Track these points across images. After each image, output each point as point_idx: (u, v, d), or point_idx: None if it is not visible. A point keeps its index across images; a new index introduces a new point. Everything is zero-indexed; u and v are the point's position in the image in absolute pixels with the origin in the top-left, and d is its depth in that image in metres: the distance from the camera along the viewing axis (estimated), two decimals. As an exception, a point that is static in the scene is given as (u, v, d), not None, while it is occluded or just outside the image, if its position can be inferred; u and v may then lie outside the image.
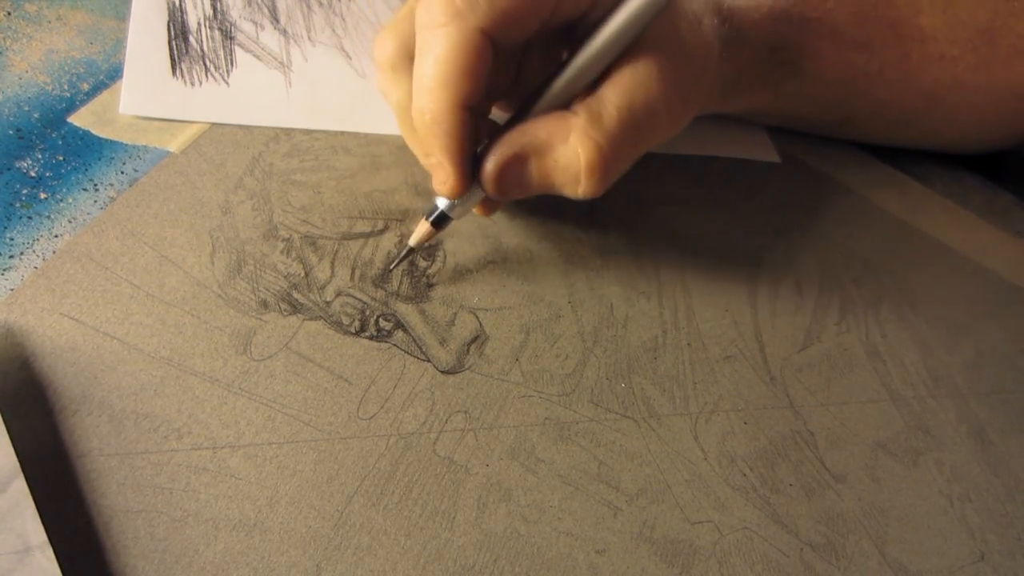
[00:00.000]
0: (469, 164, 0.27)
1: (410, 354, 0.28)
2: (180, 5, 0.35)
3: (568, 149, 0.26)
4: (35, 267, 0.27)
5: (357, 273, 0.30)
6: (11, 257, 0.27)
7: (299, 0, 0.37)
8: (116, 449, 0.24)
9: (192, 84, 0.33)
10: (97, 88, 0.32)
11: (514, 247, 0.33)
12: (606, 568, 0.25)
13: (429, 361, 0.28)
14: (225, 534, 0.23)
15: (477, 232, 0.32)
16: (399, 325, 0.29)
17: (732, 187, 0.39)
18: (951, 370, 0.34)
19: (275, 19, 0.36)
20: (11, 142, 0.30)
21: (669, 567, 0.26)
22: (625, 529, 0.26)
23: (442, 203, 0.28)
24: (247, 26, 0.35)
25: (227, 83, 0.33)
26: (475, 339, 0.29)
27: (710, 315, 0.33)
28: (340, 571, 0.23)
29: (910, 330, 0.35)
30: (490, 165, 0.26)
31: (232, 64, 0.34)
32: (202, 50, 0.34)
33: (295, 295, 0.28)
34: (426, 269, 0.31)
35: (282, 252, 0.29)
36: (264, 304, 0.28)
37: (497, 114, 0.31)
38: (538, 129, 0.26)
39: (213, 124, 0.32)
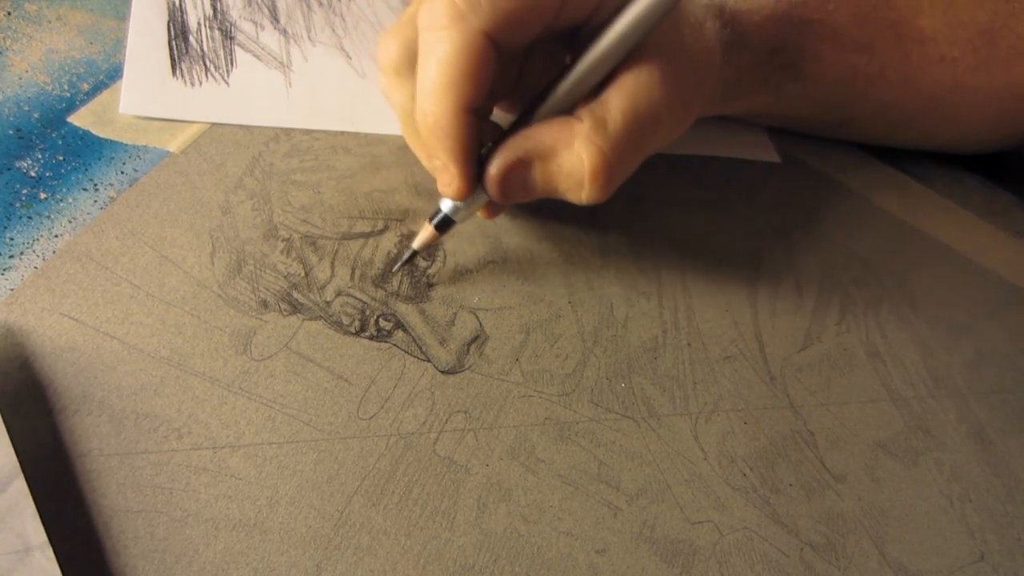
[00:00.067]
0: (474, 166, 0.27)
1: (410, 354, 0.28)
2: (180, 5, 0.35)
3: (572, 155, 0.26)
4: (35, 267, 0.27)
5: (357, 273, 0.30)
6: (11, 257, 0.27)
7: (299, 0, 0.37)
8: (116, 449, 0.24)
9: (192, 84, 0.33)
10: (97, 88, 0.32)
11: (514, 247, 0.33)
12: (606, 568, 0.25)
13: (429, 361, 0.28)
14: (225, 534, 0.23)
15: (477, 232, 0.32)
16: (399, 325, 0.29)
17: (732, 187, 0.39)
18: (951, 370, 0.34)
19: (275, 19, 0.36)
20: (11, 142, 0.30)
21: (669, 567, 0.26)
22: (625, 529, 0.26)
23: (445, 206, 0.28)
24: (247, 26, 0.35)
25: (227, 83, 0.33)
26: (475, 339, 0.29)
27: (710, 315, 0.33)
28: (340, 571, 0.23)
29: (910, 330, 0.35)
30: (494, 169, 0.26)
31: (232, 64, 0.34)
32: (202, 50, 0.34)
33: (295, 295, 0.28)
34: (426, 269, 0.31)
35: (282, 252, 0.29)
36: (264, 304, 0.28)
37: (499, 115, 0.31)
38: (542, 134, 0.26)
39: (213, 124, 0.32)
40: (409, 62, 0.27)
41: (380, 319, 0.29)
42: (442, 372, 0.28)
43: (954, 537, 0.29)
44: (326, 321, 0.28)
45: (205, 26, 0.35)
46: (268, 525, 0.24)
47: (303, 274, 0.29)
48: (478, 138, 0.26)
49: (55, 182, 0.29)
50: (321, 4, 0.38)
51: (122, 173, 0.30)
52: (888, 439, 0.31)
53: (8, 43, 0.32)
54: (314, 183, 0.32)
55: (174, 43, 0.34)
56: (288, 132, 0.33)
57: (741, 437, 0.29)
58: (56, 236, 0.27)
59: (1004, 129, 0.41)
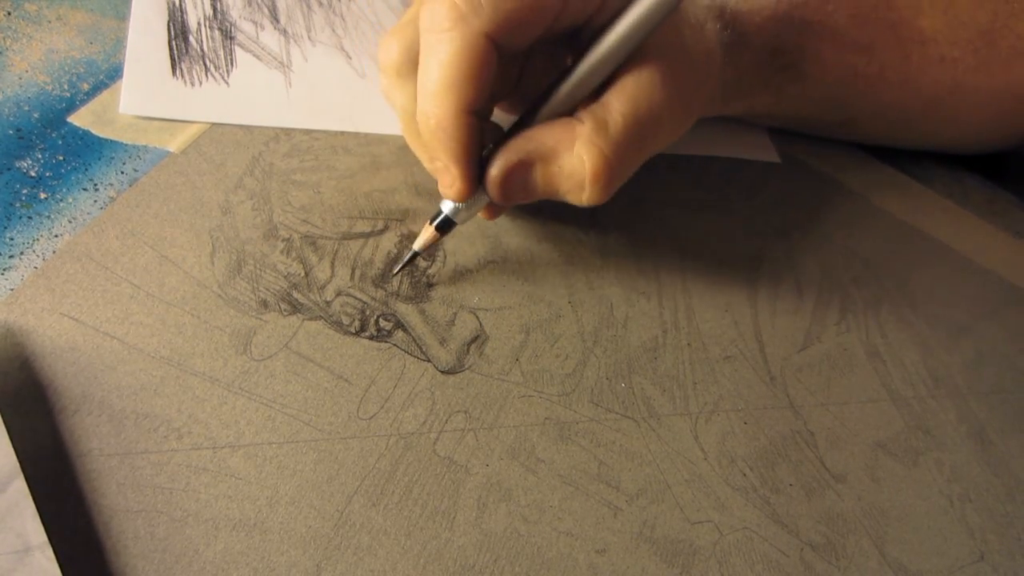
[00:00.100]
0: (475, 167, 0.27)
1: (410, 354, 0.28)
2: (180, 5, 0.35)
3: (573, 156, 0.26)
4: (35, 267, 0.27)
5: (357, 273, 0.30)
6: (11, 257, 0.27)
7: (299, 0, 0.37)
8: (116, 449, 0.24)
9: (192, 84, 0.33)
10: (97, 88, 0.32)
11: (514, 247, 0.33)
12: (606, 568, 0.25)
13: (429, 361, 0.28)
14: (225, 534, 0.23)
15: (477, 232, 0.32)
16: (399, 325, 0.29)
17: (732, 187, 0.39)
18: (951, 370, 0.34)
19: (275, 19, 0.36)
20: (11, 142, 0.30)
21: (669, 567, 0.26)
22: (625, 529, 0.26)
23: (446, 208, 0.28)
24: (247, 26, 0.35)
25: (227, 83, 0.33)
26: (475, 339, 0.29)
27: (710, 315, 0.33)
28: (340, 571, 0.23)
29: (910, 330, 0.35)
30: (495, 171, 0.26)
31: (232, 64, 0.34)
32: (202, 50, 0.34)
33: (295, 295, 0.28)
34: (426, 269, 0.31)
35: (282, 252, 0.29)
36: (264, 304, 0.28)
37: (499, 115, 0.31)
38: (544, 136, 0.26)
39: (213, 124, 0.32)
40: (410, 63, 0.27)
41: (380, 319, 0.29)
42: (442, 372, 0.28)
43: (954, 537, 0.29)
44: (326, 321, 0.28)
45: (205, 26, 0.35)
46: (268, 525, 0.24)
47: (303, 274, 0.29)
48: (479, 139, 0.26)
49: (55, 182, 0.29)
50: (321, 4, 0.38)
51: (122, 173, 0.30)
52: (888, 439, 0.31)
53: (8, 43, 0.32)
54: (314, 183, 0.32)
55: (174, 43, 0.34)
56: (288, 132, 0.33)
57: (741, 437, 0.29)
58: (56, 236, 0.27)
59: (1004, 129, 0.41)
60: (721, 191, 0.38)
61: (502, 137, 0.27)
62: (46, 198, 0.28)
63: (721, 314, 0.33)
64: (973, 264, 0.39)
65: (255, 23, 0.36)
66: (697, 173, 0.39)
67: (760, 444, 0.30)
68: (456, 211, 0.28)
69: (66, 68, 0.32)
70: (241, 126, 0.33)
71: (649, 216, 0.36)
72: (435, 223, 0.29)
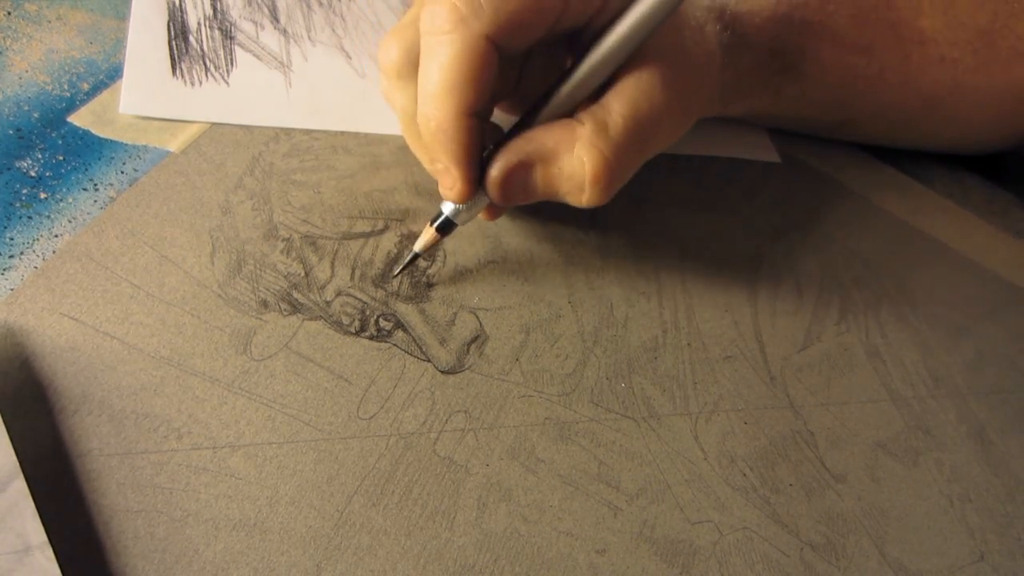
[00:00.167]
0: (476, 169, 0.27)
1: (410, 354, 0.28)
2: (180, 5, 0.35)
3: (573, 158, 0.26)
4: (35, 267, 0.27)
5: (357, 273, 0.30)
6: (11, 257, 0.27)
7: (299, 0, 0.37)
8: (116, 449, 0.24)
9: (192, 84, 0.33)
10: (97, 88, 0.32)
11: (514, 247, 0.33)
12: (606, 568, 0.25)
13: (429, 361, 0.28)
14: (225, 534, 0.23)
15: (477, 232, 0.32)
16: (399, 325, 0.29)
17: (732, 187, 0.39)
18: (951, 370, 0.34)
19: (275, 19, 0.36)
20: (11, 142, 0.30)
21: (669, 567, 0.26)
22: (625, 529, 0.26)
23: (447, 209, 0.28)
24: (247, 26, 0.35)
25: (227, 83, 0.33)
26: (475, 339, 0.29)
27: (710, 315, 0.33)
28: (340, 571, 0.23)
29: (910, 330, 0.35)
30: (495, 172, 0.26)
31: (232, 64, 0.34)
32: (202, 50, 0.34)
33: (295, 295, 0.28)
34: (426, 269, 0.31)
35: (282, 252, 0.29)
36: (264, 304, 0.28)
37: (499, 116, 0.31)
38: (544, 137, 0.26)
39: (213, 124, 0.32)
40: (411, 65, 0.27)
41: (380, 319, 0.29)
42: (442, 372, 0.28)
43: (954, 537, 0.29)
44: (326, 321, 0.28)
45: (205, 26, 0.35)
46: (268, 525, 0.24)
47: (303, 274, 0.29)
48: (480, 141, 0.26)
49: (55, 182, 0.29)
50: (321, 4, 0.38)
51: (122, 173, 0.30)
52: (888, 439, 0.31)
53: (8, 43, 0.32)
54: (314, 183, 0.32)
55: (174, 43, 0.34)
56: (288, 132, 0.33)
57: (741, 437, 0.29)
58: (56, 236, 0.27)
59: (1004, 129, 0.42)
60: (721, 191, 0.38)
61: (502, 138, 0.27)
62: (46, 198, 0.28)
63: (721, 314, 0.33)
64: (973, 264, 0.39)
65: (255, 23, 0.36)
66: (697, 173, 0.39)
67: (760, 444, 0.30)
68: (456, 212, 0.28)
69: (66, 68, 0.32)
70: (241, 126, 0.33)
71: (649, 216, 0.36)
72: (435, 224, 0.29)
